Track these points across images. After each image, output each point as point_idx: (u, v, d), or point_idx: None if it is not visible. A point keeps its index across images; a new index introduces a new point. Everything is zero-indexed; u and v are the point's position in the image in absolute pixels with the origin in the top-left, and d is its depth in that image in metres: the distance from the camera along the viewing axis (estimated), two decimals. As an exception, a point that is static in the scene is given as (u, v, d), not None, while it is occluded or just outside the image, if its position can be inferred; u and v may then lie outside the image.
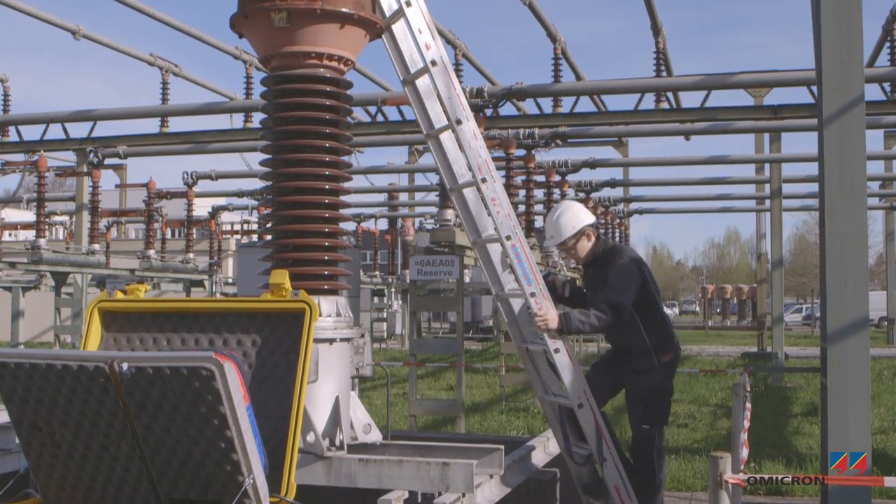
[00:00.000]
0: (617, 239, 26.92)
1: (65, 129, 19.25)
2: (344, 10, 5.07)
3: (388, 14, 5.72)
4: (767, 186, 24.54)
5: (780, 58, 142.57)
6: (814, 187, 26.21)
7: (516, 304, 6.32)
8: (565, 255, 7.18)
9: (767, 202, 25.25)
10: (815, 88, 12.06)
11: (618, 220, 27.21)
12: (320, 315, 4.93)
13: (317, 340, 4.65)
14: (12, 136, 19.46)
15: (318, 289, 5.13)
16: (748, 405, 7.47)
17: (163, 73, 18.50)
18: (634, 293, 6.67)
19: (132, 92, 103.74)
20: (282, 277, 4.36)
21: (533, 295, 5.97)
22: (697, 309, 78.17)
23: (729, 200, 32.01)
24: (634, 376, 6.85)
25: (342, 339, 5.11)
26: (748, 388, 7.80)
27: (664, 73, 15.87)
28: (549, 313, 6.05)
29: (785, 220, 23.43)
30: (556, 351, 6.03)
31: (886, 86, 15.17)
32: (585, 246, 6.98)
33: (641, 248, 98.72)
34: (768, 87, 16.69)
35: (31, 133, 19.51)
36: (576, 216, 6.98)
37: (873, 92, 15.09)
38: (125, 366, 3.61)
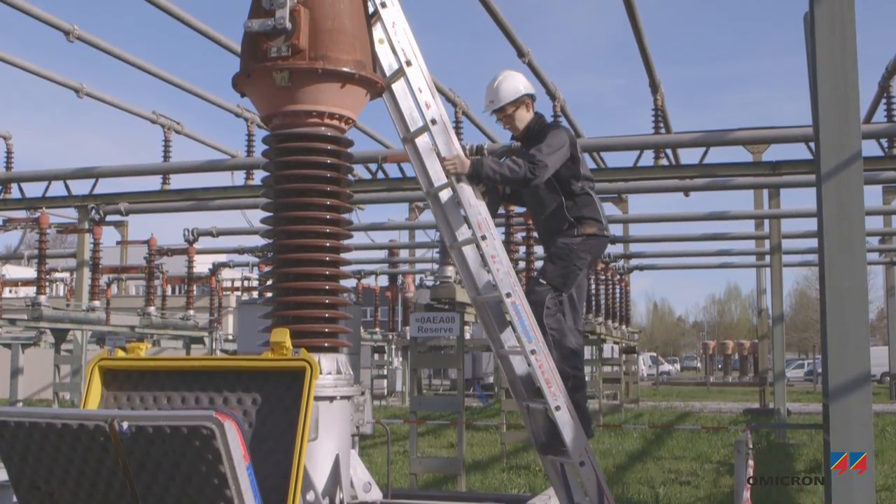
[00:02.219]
0: (618, 296, 26.88)
1: (67, 187, 19.34)
2: (345, 69, 5.13)
3: (388, 73, 5.80)
4: (767, 242, 24.57)
5: (779, 114, 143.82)
6: (813, 243, 26.26)
7: (517, 361, 6.31)
8: (503, 124, 7.09)
9: (767, 258, 25.28)
10: (813, 145, 12.14)
11: (618, 277, 27.18)
12: (321, 373, 4.92)
13: (317, 398, 4.64)
14: (14, 193, 19.55)
15: (319, 346, 5.13)
16: (751, 462, 7.42)
17: (165, 130, 18.63)
18: (559, 161, 6.60)
19: (134, 149, 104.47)
20: (283, 336, 4.36)
21: (534, 352, 5.96)
22: (699, 365, 77.89)
23: (729, 256, 32.02)
24: (552, 243, 6.81)
25: (342, 397, 5.10)
26: (750, 445, 7.76)
27: (663, 130, 15.97)
28: (458, 159, 5.95)
29: (785, 275, 23.41)
30: (557, 408, 6.01)
31: (884, 141, 15.26)
32: (524, 116, 6.94)
33: (642, 303, 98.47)
34: (766, 143, 16.78)
35: (34, 190, 19.63)
36: (516, 84, 6.95)
37: (871, 148, 15.19)
38: (125, 425, 3.61)
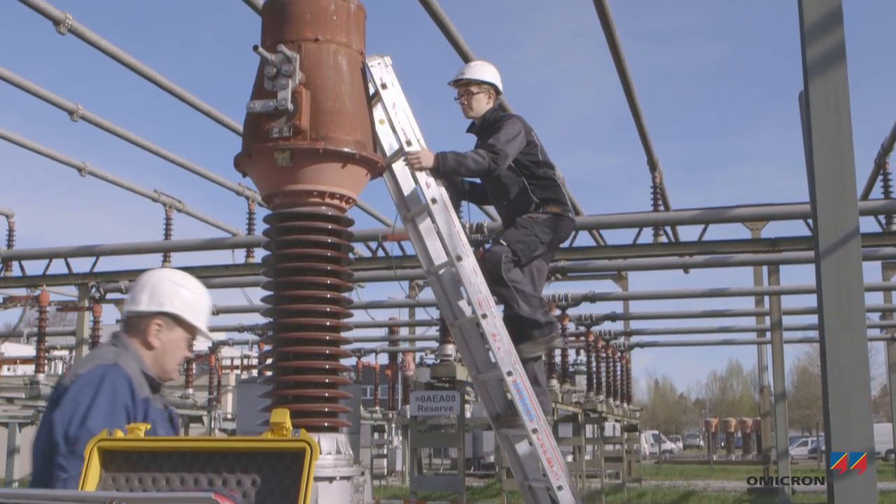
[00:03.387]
0: (619, 374, 26.76)
1: (67, 264, 19.38)
2: (346, 149, 5.18)
3: (388, 153, 5.86)
4: (767, 318, 24.54)
5: (778, 190, 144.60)
6: (814, 319, 26.21)
7: (518, 440, 6.27)
8: (461, 101, 7.09)
9: (768, 334, 25.22)
10: (811, 221, 12.21)
11: (619, 354, 27.07)
12: (320, 453, 4.88)
13: (316, 479, 4.59)
14: (15, 270, 19.59)
15: (319, 426, 5.09)
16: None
17: (166, 208, 18.73)
18: (517, 149, 6.67)
19: (136, 226, 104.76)
20: (283, 417, 4.33)
21: (535, 431, 5.93)
22: (701, 443, 77.22)
23: (730, 333, 31.93)
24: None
25: (342, 478, 5.05)
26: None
27: (662, 208, 16.06)
28: (422, 153, 5.93)
29: (787, 351, 23.42)
30: (560, 488, 5.96)
31: (882, 217, 15.33)
32: (482, 103, 6.99)
33: (643, 381, 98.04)
34: (765, 220, 16.86)
35: (34, 268, 19.68)
36: (489, 71, 7.05)
37: (869, 224, 15.27)
38: (123, 506, 3.57)
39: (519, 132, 6.75)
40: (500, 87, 7.13)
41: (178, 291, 4.02)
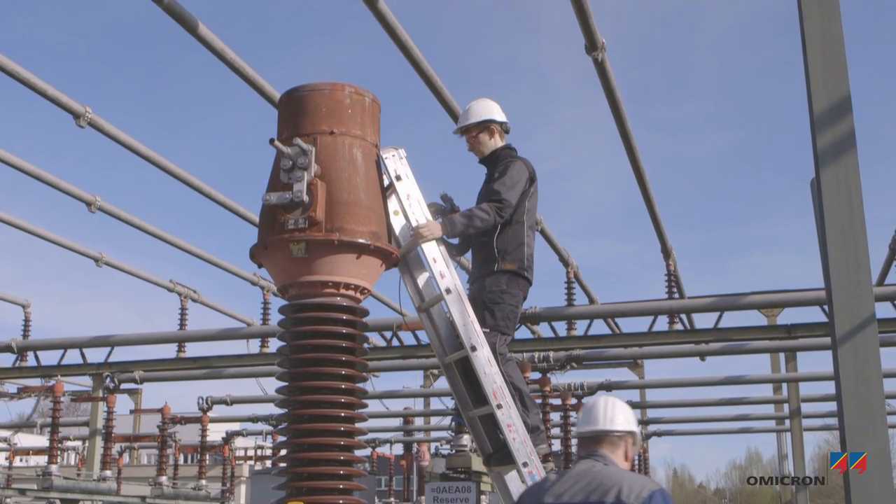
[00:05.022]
0: (637, 463, 26.38)
1: (82, 354, 19.40)
2: (360, 241, 5.21)
3: (403, 244, 5.89)
4: (786, 406, 24.26)
5: (793, 276, 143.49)
6: (834, 406, 25.90)
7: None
8: (468, 146, 7.08)
9: (787, 422, 24.91)
10: (827, 307, 12.16)
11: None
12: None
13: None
14: (30, 360, 19.60)
15: (333, 518, 5.04)
16: None
17: (182, 298, 18.81)
18: (519, 194, 6.65)
19: (151, 316, 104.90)
20: (297, 509, 4.31)
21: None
22: (723, 534, 75.78)
23: (748, 421, 31.55)
24: (478, 285, 6.74)
25: (357, 571, 4.99)
26: None
27: (676, 295, 16.04)
28: (430, 224, 5.94)
29: (807, 439, 23.09)
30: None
31: (898, 303, 15.27)
32: (487, 142, 6.99)
33: (661, 470, 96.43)
34: (780, 307, 16.79)
35: (50, 358, 19.71)
36: (488, 108, 7.04)
37: (886, 309, 15.19)
38: None
39: (521, 178, 6.80)
40: (498, 117, 7.14)
41: (632, 412, 4.58)
